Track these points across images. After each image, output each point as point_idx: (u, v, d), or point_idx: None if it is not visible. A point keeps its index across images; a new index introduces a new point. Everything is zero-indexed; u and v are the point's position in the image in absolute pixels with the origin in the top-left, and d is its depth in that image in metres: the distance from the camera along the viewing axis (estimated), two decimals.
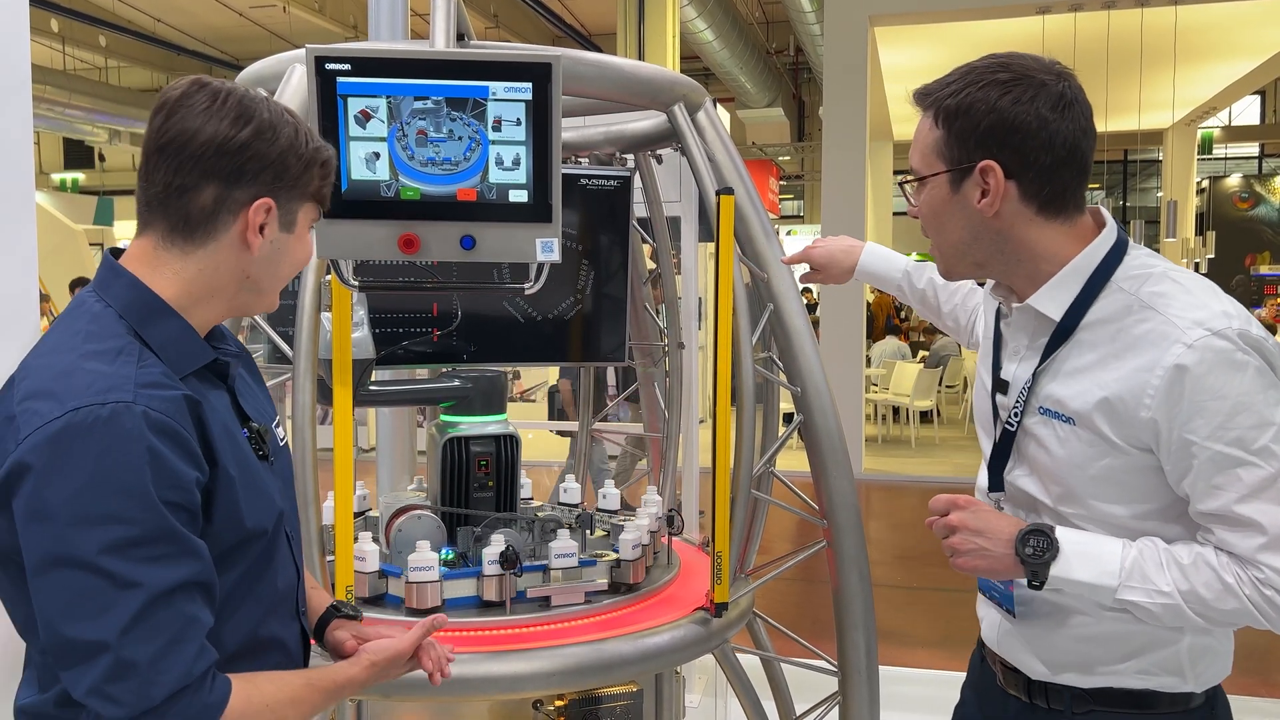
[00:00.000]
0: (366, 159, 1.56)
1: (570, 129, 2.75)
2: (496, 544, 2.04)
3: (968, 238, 1.44)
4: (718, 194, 2.02)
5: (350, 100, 1.53)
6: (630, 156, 2.75)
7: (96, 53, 17.33)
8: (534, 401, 10.62)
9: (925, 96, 1.44)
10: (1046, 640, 1.47)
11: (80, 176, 23.80)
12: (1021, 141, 1.36)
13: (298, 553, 1.39)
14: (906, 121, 15.11)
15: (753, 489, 2.19)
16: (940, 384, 11.00)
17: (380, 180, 1.56)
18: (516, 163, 1.58)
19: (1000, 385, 1.53)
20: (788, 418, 2.28)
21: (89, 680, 1.09)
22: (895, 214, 17.80)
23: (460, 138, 1.56)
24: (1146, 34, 9.79)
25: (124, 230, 21.95)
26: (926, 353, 11.93)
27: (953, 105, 1.39)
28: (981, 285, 1.90)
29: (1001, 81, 1.36)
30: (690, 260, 3.44)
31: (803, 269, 2.27)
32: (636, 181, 2.73)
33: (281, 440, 1.39)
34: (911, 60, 11.81)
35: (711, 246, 5.58)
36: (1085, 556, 1.33)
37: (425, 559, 1.95)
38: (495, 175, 1.58)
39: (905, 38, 10.77)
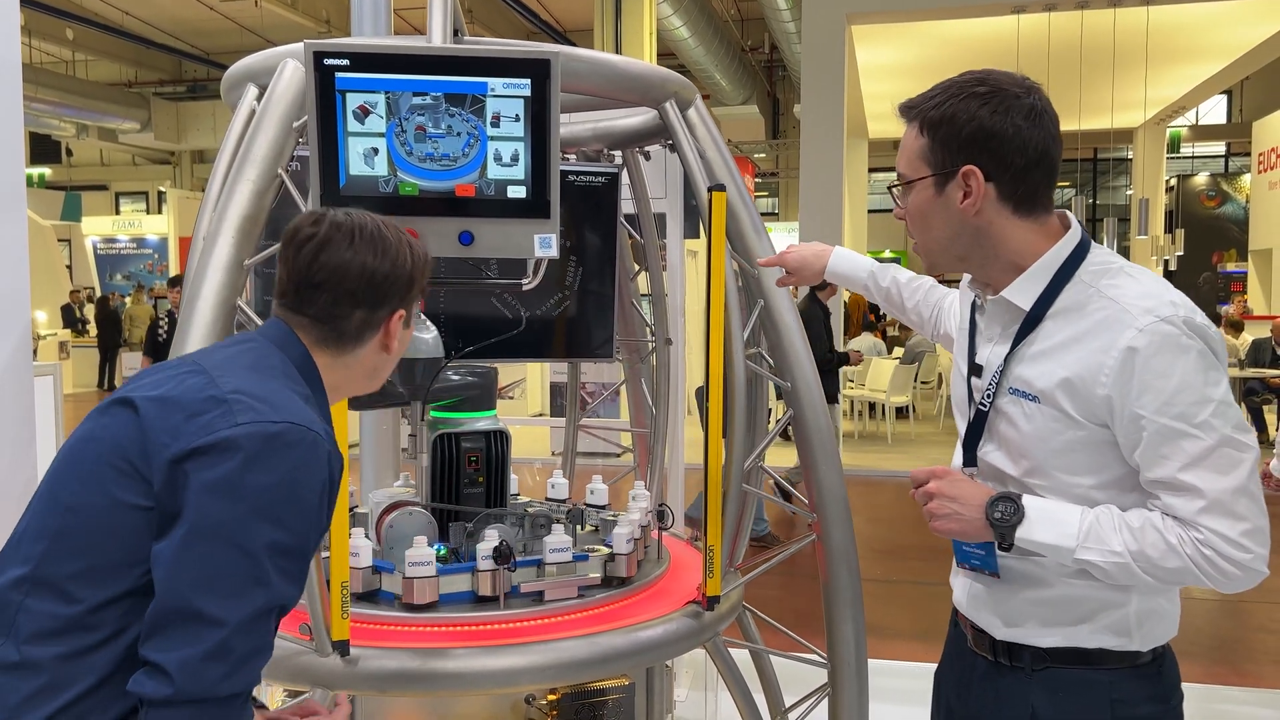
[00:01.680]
0: (365, 154, 1.56)
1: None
2: (490, 539, 2.05)
3: (950, 234, 1.57)
4: (710, 190, 2.04)
5: (349, 96, 1.53)
6: (618, 153, 2.76)
7: (63, 46, 17.11)
8: (512, 399, 10.60)
9: (911, 109, 1.57)
10: (1008, 603, 1.60)
11: (47, 171, 23.46)
12: (999, 147, 1.50)
13: None
14: (882, 119, 15.23)
15: (743, 483, 2.21)
16: (915, 380, 11.09)
17: (378, 176, 1.56)
18: (515, 159, 1.58)
19: (975, 369, 1.66)
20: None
21: (190, 650, 1.16)
22: (871, 211, 17.93)
23: (459, 133, 1.56)
24: (1119, 34, 9.92)
25: (91, 226, 21.63)
26: (902, 349, 12.03)
27: (936, 115, 1.52)
28: (944, 283, 2.08)
29: (980, 94, 1.50)
30: (676, 256, 3.46)
31: (778, 272, 2.30)
32: (624, 178, 2.74)
33: None
34: (887, 59, 11.89)
35: (692, 243, 5.57)
36: (1048, 520, 1.47)
37: (422, 554, 1.95)
38: (494, 171, 1.58)
39: (881, 36, 10.84)
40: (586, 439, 3.43)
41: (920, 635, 4.69)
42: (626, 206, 2.87)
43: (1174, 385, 1.41)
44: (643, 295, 3.06)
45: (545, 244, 1.60)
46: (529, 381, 10.40)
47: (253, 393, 1.27)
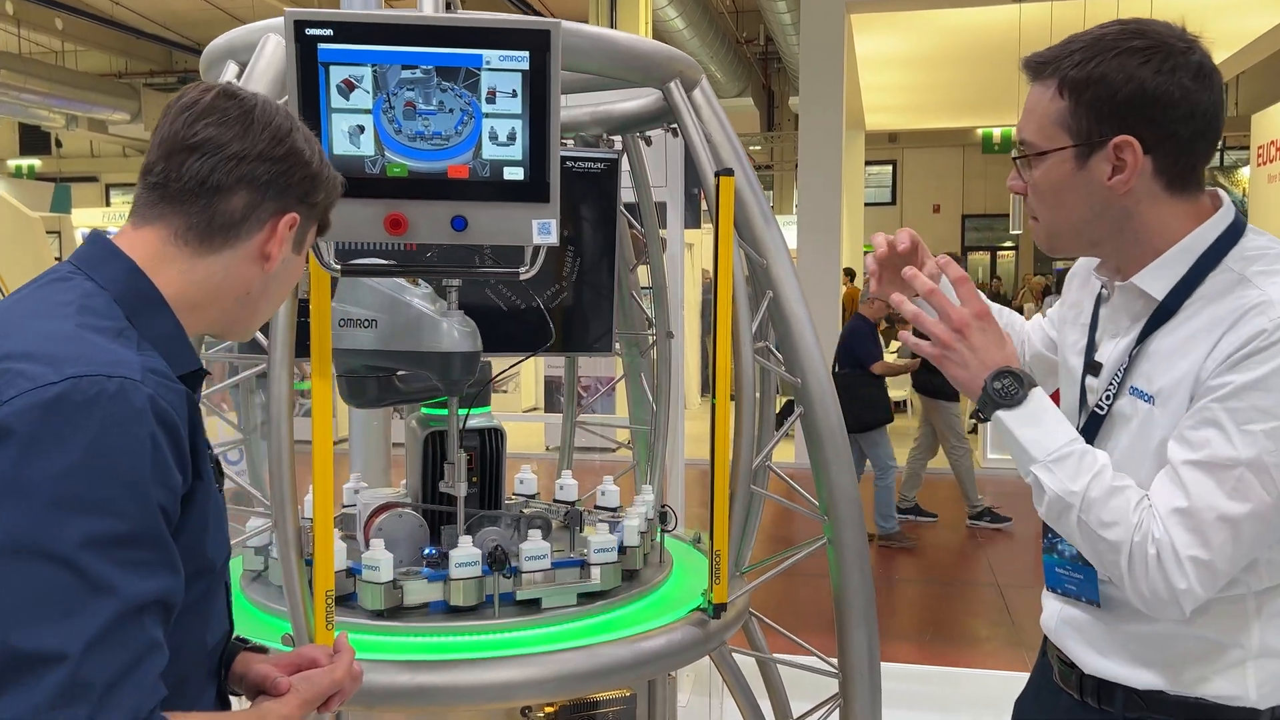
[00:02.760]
0: (350, 133, 1.44)
1: None
2: (465, 545, 1.93)
3: (1090, 216, 1.37)
4: (716, 175, 1.93)
5: (333, 69, 1.41)
6: (618, 138, 2.64)
7: (53, 36, 16.89)
8: (505, 393, 10.49)
9: (1044, 65, 1.35)
10: (1105, 633, 1.41)
11: (36, 163, 23.24)
12: (1162, 114, 1.28)
13: (229, 608, 1.24)
14: (880, 111, 15.12)
15: (750, 484, 2.10)
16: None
17: (365, 156, 1.45)
18: (512, 138, 1.47)
19: (1093, 367, 1.47)
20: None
21: (34, 699, 0.89)
22: (868, 205, 17.80)
23: (451, 110, 1.45)
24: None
25: (82, 218, 21.43)
26: (899, 343, 11.92)
27: (1083, 75, 1.30)
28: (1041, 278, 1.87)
29: (1139, 50, 1.28)
30: (677, 247, 3.35)
31: (787, 262, 2.17)
32: (623, 164, 2.62)
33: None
34: (886, 49, 11.78)
35: (688, 232, 5.42)
36: (1036, 422, 1.34)
37: (379, 557, 1.85)
38: (489, 151, 1.47)
39: (880, 26, 10.73)
40: (583, 434, 3.33)
41: (916, 635, 4.59)
42: (627, 195, 2.76)
43: (1264, 377, 1.21)
44: (644, 288, 2.95)
45: (544, 230, 1.49)
46: (523, 376, 10.28)
47: (29, 350, 0.99)
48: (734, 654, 2.29)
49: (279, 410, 1.67)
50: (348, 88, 1.42)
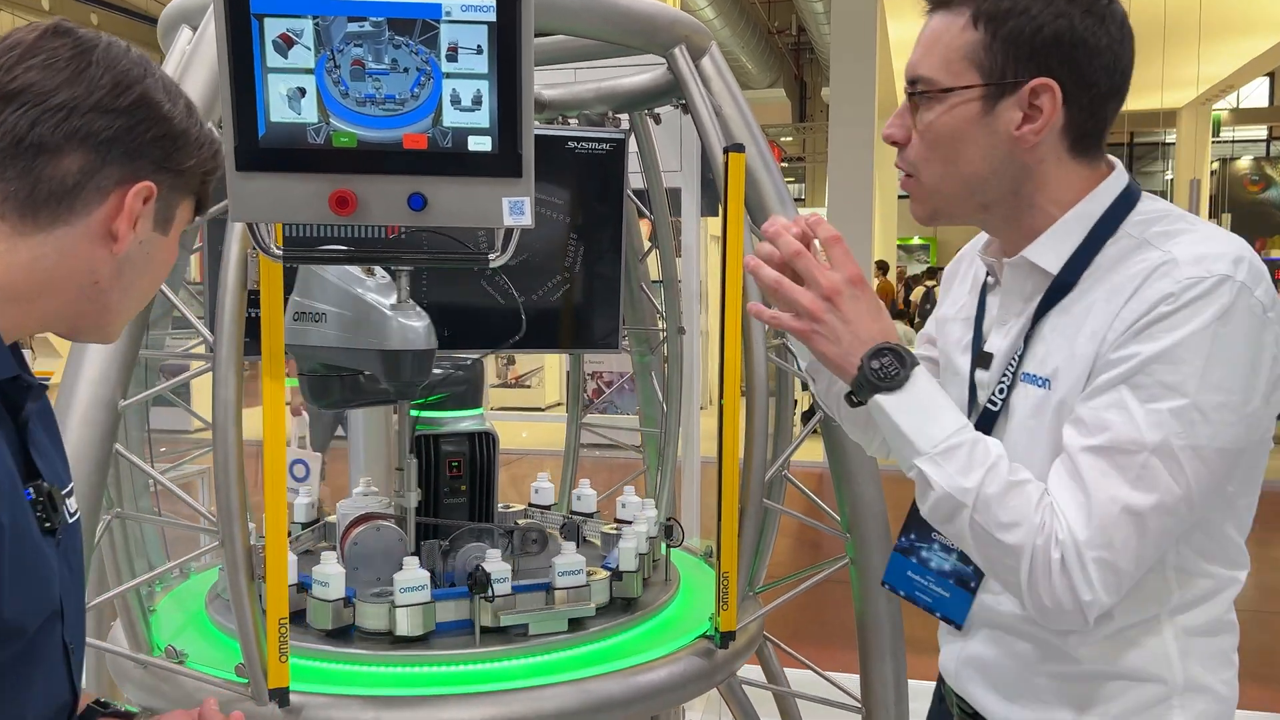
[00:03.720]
0: (289, 96, 1.24)
1: (557, 85, 2.44)
2: (410, 567, 1.73)
3: (984, 172, 1.20)
4: (726, 151, 1.71)
5: (267, 21, 1.21)
6: (625, 117, 2.43)
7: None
8: (529, 387, 10.32)
9: None
10: (1015, 673, 1.23)
11: None
12: (1088, 60, 1.15)
13: (76, 672, 1.02)
14: None
15: (764, 498, 1.89)
16: None
17: (306, 123, 1.25)
18: (477, 101, 1.26)
19: (982, 359, 1.29)
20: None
21: None
22: (901, 197, 17.42)
23: (406, 70, 1.24)
24: (1169, 7, 9.44)
25: None
26: None
27: (1003, 6, 1.14)
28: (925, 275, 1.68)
29: None
30: (692, 235, 3.12)
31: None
32: (632, 146, 2.41)
33: (73, 516, 1.00)
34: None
35: (714, 221, 5.22)
36: (920, 408, 1.15)
37: (329, 571, 1.66)
38: (451, 117, 1.27)
39: (915, 9, 10.39)
40: (602, 421, 3.14)
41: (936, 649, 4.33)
42: (636, 181, 2.55)
43: (1171, 347, 1.06)
44: (655, 281, 2.73)
45: (517, 210, 1.29)
46: (546, 370, 10.09)
47: None
48: (745, 686, 2.08)
49: (225, 415, 1.48)
50: (285, 43, 1.22)
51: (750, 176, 1.82)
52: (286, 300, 1.66)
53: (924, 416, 1.15)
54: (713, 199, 3.18)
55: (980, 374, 1.28)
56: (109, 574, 1.69)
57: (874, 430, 1.43)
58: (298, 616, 1.72)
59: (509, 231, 1.33)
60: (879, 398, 1.16)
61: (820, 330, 1.18)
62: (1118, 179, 1.22)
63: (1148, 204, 1.21)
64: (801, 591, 1.93)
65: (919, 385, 1.16)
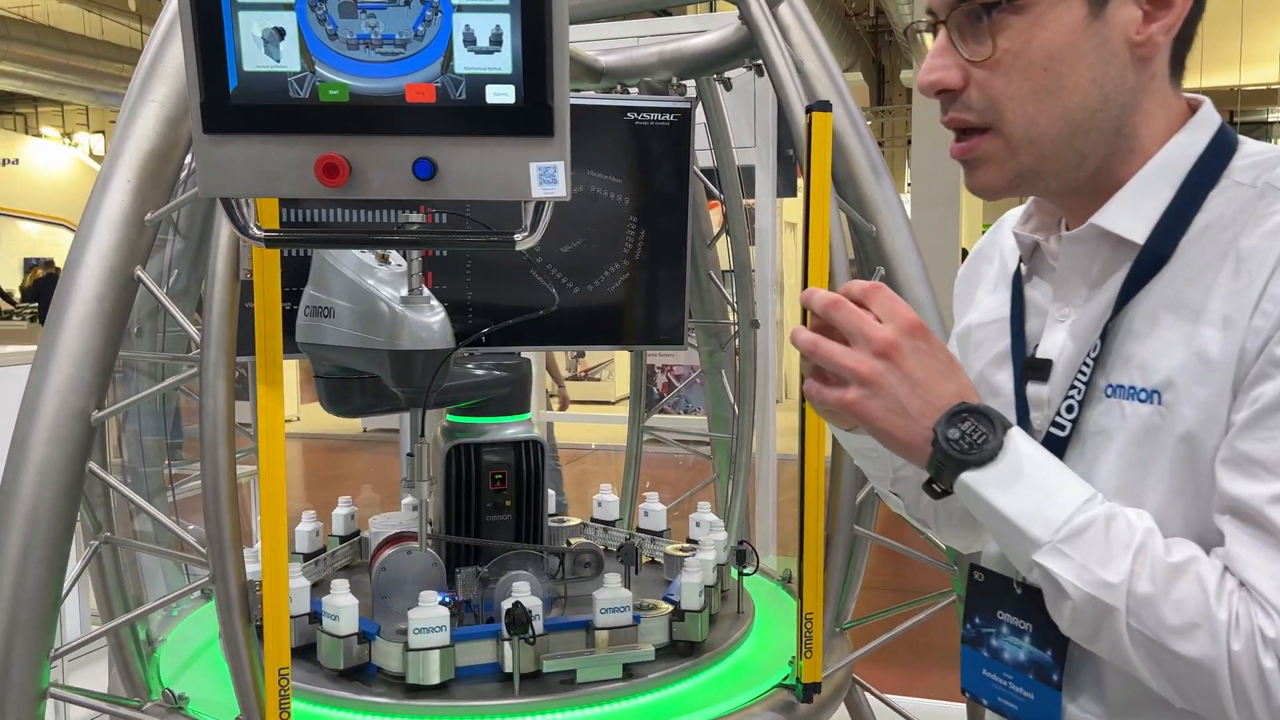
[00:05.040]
0: (265, 40, 1.00)
1: (615, 49, 2.18)
2: (428, 603, 1.48)
3: (1095, 100, 0.89)
4: (808, 111, 1.42)
5: None
6: (691, 84, 2.16)
7: (130, 18, 17.02)
8: (599, 380, 10.10)
9: None
10: None
11: None
12: None
13: None
14: None
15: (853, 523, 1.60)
16: None
17: (287, 73, 1.01)
18: (497, 40, 1.00)
19: (1036, 369, 0.97)
20: None
21: None
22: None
23: (408, 2, 0.99)
24: None
25: None
26: None
27: None
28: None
29: None
30: (767, 218, 2.83)
31: (904, 230, 1.66)
32: (699, 118, 2.14)
33: None
34: None
35: (789, 204, 4.88)
36: (1027, 484, 0.84)
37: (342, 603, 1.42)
38: (464, 61, 1.01)
39: None
40: (671, 422, 2.89)
41: None
42: (703, 160, 2.27)
43: None
44: (726, 271, 2.46)
45: (548, 178, 1.02)
46: (617, 363, 9.86)
47: None
48: None
49: (214, 430, 1.25)
50: None
51: (838, 141, 1.54)
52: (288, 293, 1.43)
53: (1034, 492, 0.85)
54: (790, 177, 2.88)
55: (1035, 389, 0.97)
56: (99, 607, 1.48)
57: (977, 526, 1.09)
58: (312, 651, 1.51)
59: (539, 206, 1.07)
60: (967, 477, 0.85)
61: (877, 398, 0.88)
62: (1208, 117, 0.93)
63: (1253, 145, 0.93)
64: (901, 633, 1.63)
65: (1019, 451, 0.86)
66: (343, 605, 1.44)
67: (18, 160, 16.30)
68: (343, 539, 1.95)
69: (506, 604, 1.49)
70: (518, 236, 1.08)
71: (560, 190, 1.04)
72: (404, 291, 1.46)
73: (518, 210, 1.07)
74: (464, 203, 1.40)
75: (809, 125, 1.42)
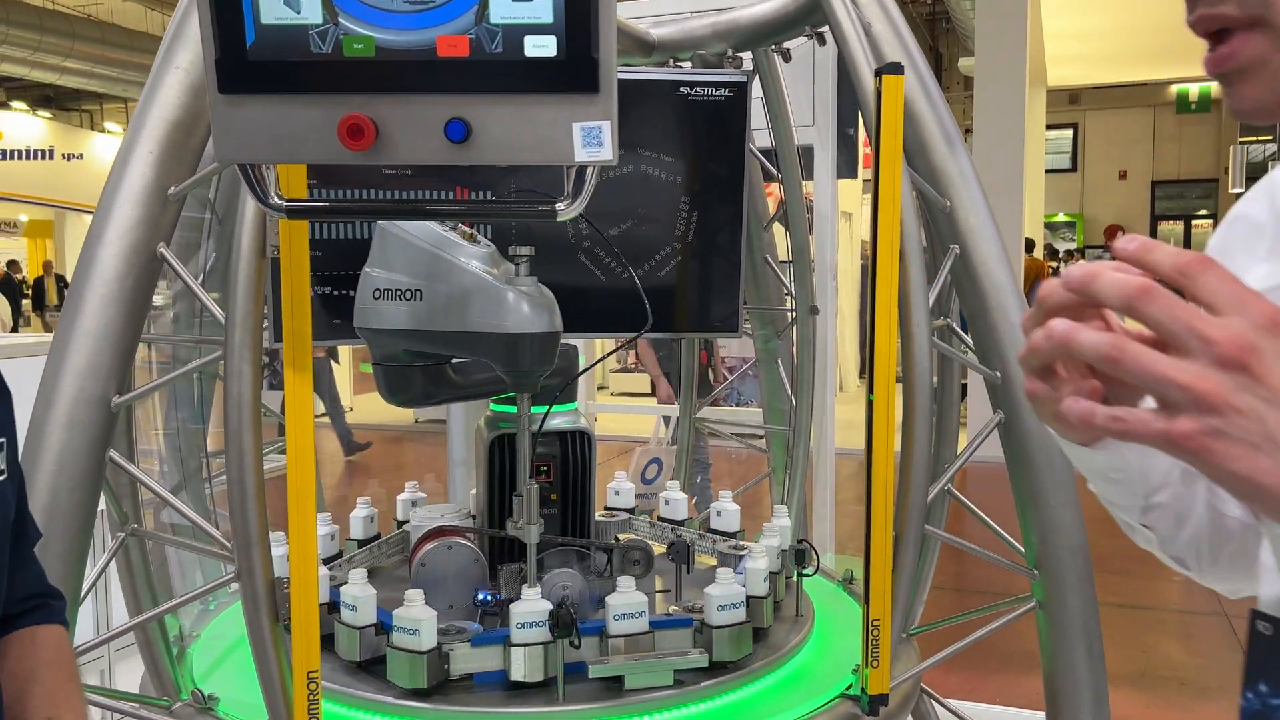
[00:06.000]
0: None
1: (667, 20, 2.07)
2: (530, 598, 1.40)
3: None
4: (877, 74, 1.30)
5: None
6: (747, 56, 2.04)
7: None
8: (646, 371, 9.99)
9: None
10: None
11: None
12: None
13: None
14: (1064, 63, 13.77)
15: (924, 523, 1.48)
16: None
17: (308, 25, 0.92)
18: None
19: None
20: None
21: None
22: (1048, 171, 16.33)
23: None
24: None
25: None
26: None
27: None
28: None
29: None
30: (826, 200, 2.70)
31: (981, 206, 1.51)
32: (756, 91, 2.02)
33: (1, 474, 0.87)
34: None
35: (843, 186, 4.69)
36: None
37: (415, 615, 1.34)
38: (500, 10, 0.91)
39: None
40: (724, 414, 2.78)
41: (1136, 679, 3.79)
42: (761, 139, 2.16)
43: None
44: (784, 262, 2.34)
45: (592, 139, 0.93)
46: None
47: None
48: None
49: (239, 417, 1.17)
50: None
51: (908, 108, 1.41)
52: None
53: None
54: (851, 158, 2.75)
55: None
56: (126, 602, 1.42)
57: (1252, 569, 0.83)
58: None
59: (582, 172, 0.97)
60: None
61: (1229, 430, 0.59)
62: None
63: None
64: (974, 642, 1.51)
65: None
66: (361, 596, 1.36)
67: (83, 155, 16.67)
68: (361, 543, 1.87)
69: (555, 597, 1.40)
70: (559, 205, 0.98)
71: (606, 153, 0.94)
72: (498, 271, 1.38)
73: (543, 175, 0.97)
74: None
75: (878, 90, 1.31)
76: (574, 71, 0.92)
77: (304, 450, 1.17)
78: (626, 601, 1.43)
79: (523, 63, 0.92)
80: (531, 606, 1.40)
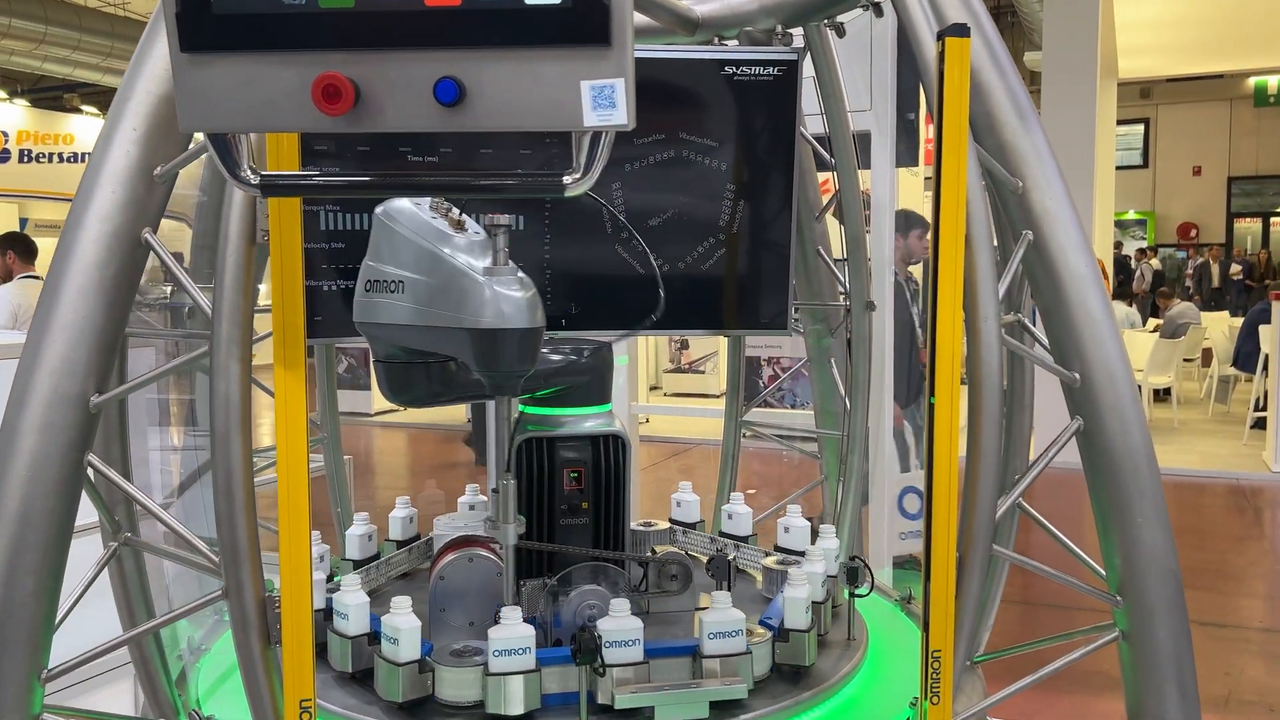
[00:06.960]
0: None
1: None
2: (511, 619, 1.28)
3: None
4: (940, 38, 1.15)
5: None
6: (798, 33, 1.90)
7: None
8: (703, 373, 9.84)
9: None
10: None
11: None
12: None
13: None
14: (1136, 55, 13.29)
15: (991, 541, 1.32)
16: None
17: None
18: None
19: None
20: None
21: None
22: (1119, 168, 15.82)
23: None
24: None
25: None
26: (1160, 321, 10.34)
27: None
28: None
29: None
30: (884, 189, 2.53)
31: (1059, 189, 1.36)
32: (808, 71, 1.88)
33: None
34: None
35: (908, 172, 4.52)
36: None
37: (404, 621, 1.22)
38: None
39: None
40: (774, 417, 2.64)
41: (1223, 704, 3.54)
42: (813, 124, 2.01)
43: None
44: (839, 261, 2.19)
45: (603, 100, 0.80)
46: (722, 356, 9.59)
47: None
48: None
49: (226, 420, 1.06)
50: None
51: (975, 79, 1.26)
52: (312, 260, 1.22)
53: None
54: (912, 145, 2.58)
55: None
56: (119, 615, 1.33)
57: None
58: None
59: (595, 138, 0.84)
60: None
61: None
62: None
63: None
64: (1048, 675, 1.34)
65: None
66: (352, 605, 1.25)
67: None
68: (400, 544, 1.77)
69: (581, 617, 1.28)
70: (567, 179, 0.85)
71: (620, 116, 0.81)
72: (486, 262, 1.26)
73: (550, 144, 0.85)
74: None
75: (940, 55, 1.16)
76: (582, 21, 0.79)
77: (296, 452, 1.06)
78: (723, 620, 1.29)
79: (523, 11, 0.80)
80: (511, 632, 1.26)
